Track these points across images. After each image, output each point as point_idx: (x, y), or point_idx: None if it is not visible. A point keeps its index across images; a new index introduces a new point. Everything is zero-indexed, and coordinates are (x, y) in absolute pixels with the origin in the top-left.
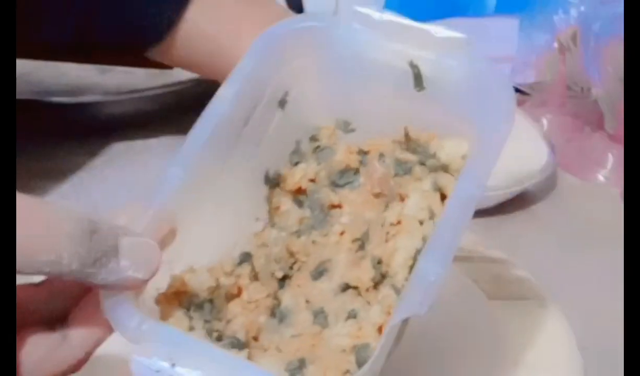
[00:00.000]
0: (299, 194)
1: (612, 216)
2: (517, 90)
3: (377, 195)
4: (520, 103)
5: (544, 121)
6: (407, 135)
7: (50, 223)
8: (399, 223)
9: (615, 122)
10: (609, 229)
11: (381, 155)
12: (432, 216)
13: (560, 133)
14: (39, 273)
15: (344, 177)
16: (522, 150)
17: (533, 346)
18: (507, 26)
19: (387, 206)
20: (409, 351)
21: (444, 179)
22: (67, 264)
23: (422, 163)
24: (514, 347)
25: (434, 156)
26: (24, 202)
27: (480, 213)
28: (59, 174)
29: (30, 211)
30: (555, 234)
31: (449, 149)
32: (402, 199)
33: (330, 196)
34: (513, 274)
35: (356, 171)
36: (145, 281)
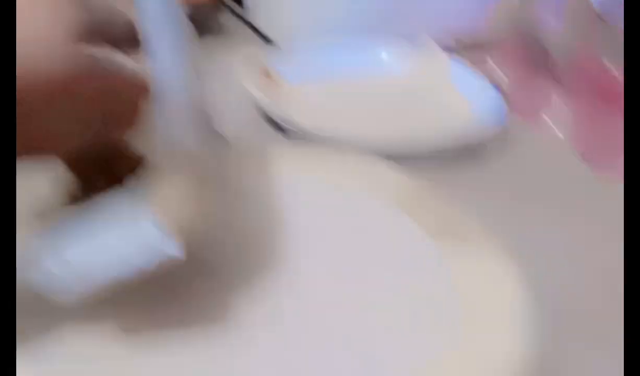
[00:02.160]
0: None
1: (563, 166)
2: (471, 37)
3: None
4: (473, 49)
5: (498, 69)
6: None
7: None
8: None
9: (569, 69)
10: (561, 178)
11: None
12: None
13: (513, 81)
14: None
15: None
16: (475, 100)
17: (478, 289)
18: None
19: None
20: (350, 293)
21: None
22: None
23: None
24: (459, 290)
25: None
26: None
27: (430, 161)
28: None
29: None
30: (508, 181)
31: None
32: None
33: None
34: (462, 219)
35: None
36: None
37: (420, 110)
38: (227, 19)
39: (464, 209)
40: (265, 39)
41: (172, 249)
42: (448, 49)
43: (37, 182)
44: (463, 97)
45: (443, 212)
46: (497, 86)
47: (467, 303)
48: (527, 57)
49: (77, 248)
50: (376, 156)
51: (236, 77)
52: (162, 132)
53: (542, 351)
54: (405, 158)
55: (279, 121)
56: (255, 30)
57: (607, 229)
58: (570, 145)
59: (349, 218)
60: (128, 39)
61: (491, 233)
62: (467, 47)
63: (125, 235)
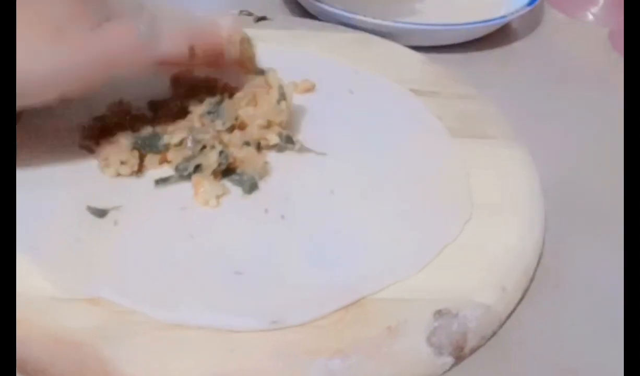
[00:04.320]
0: None
1: (596, 57)
2: None
3: None
4: None
5: None
6: None
7: None
8: None
9: None
10: (591, 71)
11: None
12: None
13: None
14: None
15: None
16: None
17: (495, 186)
18: None
19: None
20: (367, 186)
21: None
22: None
23: None
24: (475, 186)
25: None
26: None
27: (457, 47)
28: None
29: None
30: (534, 73)
31: None
32: None
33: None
34: (482, 112)
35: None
36: None
37: None
38: None
39: (486, 98)
40: None
41: None
42: None
43: None
44: None
45: (465, 106)
46: None
47: (480, 195)
48: None
49: None
50: (402, 42)
51: None
52: None
53: (549, 244)
54: (432, 44)
55: (307, 6)
56: None
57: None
58: (606, 36)
59: (371, 103)
60: None
61: (511, 125)
62: None
63: None
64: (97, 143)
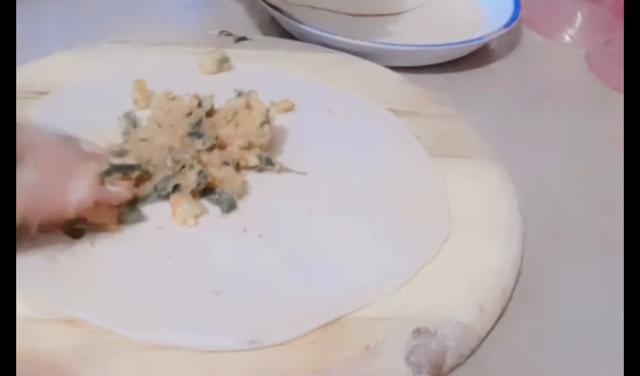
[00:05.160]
0: None
1: (573, 78)
2: None
3: None
4: None
5: None
6: None
7: None
8: None
9: None
10: (568, 91)
11: None
12: None
13: None
14: None
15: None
16: (486, 1)
17: (473, 204)
18: None
19: None
20: (346, 205)
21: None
22: None
23: None
24: (453, 205)
25: None
26: None
27: (435, 68)
28: None
29: None
30: (512, 93)
31: None
32: None
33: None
34: (460, 132)
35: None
36: None
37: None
38: None
39: (464, 118)
40: None
41: None
42: None
43: None
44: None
45: (443, 126)
46: None
47: (458, 214)
48: None
49: None
50: (381, 63)
51: None
52: None
53: (527, 263)
54: (411, 65)
55: (287, 27)
56: None
57: (608, 145)
58: (583, 57)
59: (350, 123)
60: None
61: (489, 145)
62: None
63: None
64: None
